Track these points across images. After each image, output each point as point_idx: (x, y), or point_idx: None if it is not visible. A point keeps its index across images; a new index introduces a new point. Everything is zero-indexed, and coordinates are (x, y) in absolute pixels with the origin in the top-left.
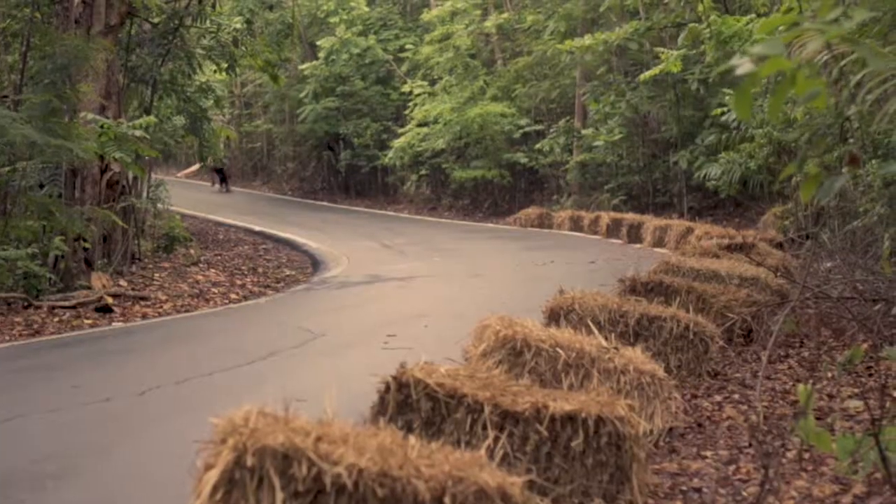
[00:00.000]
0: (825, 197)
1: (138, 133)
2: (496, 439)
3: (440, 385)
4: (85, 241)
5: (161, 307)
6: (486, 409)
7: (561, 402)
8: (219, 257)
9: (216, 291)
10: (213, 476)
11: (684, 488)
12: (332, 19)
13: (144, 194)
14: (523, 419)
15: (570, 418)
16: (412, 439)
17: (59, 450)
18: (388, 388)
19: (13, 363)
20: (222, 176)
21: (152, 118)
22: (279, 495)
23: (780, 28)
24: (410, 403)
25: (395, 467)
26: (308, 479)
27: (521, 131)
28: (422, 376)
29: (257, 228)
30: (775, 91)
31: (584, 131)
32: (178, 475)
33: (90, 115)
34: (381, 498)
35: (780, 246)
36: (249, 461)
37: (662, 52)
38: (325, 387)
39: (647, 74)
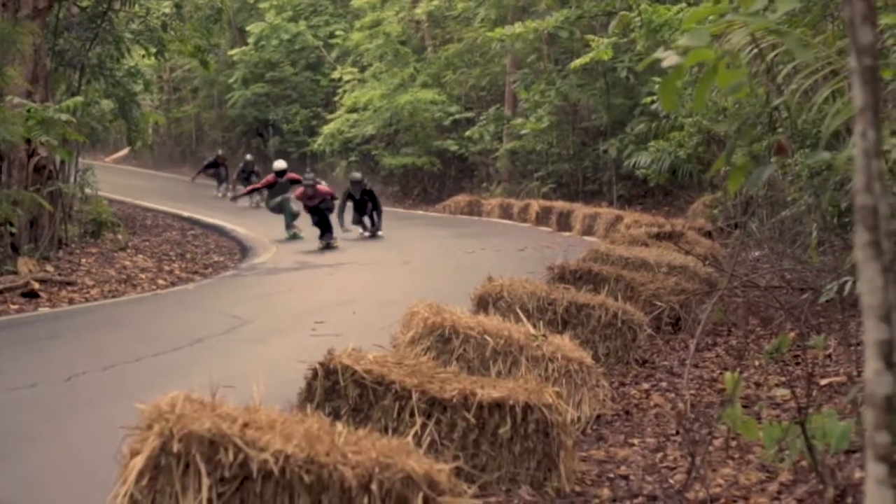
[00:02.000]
0: (753, 186)
1: (65, 117)
2: (423, 426)
3: (368, 372)
4: (11, 225)
5: (88, 293)
6: (414, 396)
7: (489, 390)
8: (147, 243)
9: (144, 277)
10: (139, 462)
11: (611, 475)
12: (262, 4)
13: (72, 179)
14: (451, 406)
15: (498, 405)
16: (339, 426)
17: None
18: (315, 375)
19: None
20: (220, 173)
21: (79, 99)
22: (205, 481)
23: (709, 18)
24: (338, 390)
25: (321, 454)
26: (234, 465)
27: (451, 119)
28: (349, 363)
29: (186, 214)
30: (700, 82)
31: (513, 120)
32: (105, 461)
33: (17, 100)
34: (308, 484)
35: (708, 235)
36: (175, 447)
37: (593, 40)
38: (253, 373)
39: (577, 62)
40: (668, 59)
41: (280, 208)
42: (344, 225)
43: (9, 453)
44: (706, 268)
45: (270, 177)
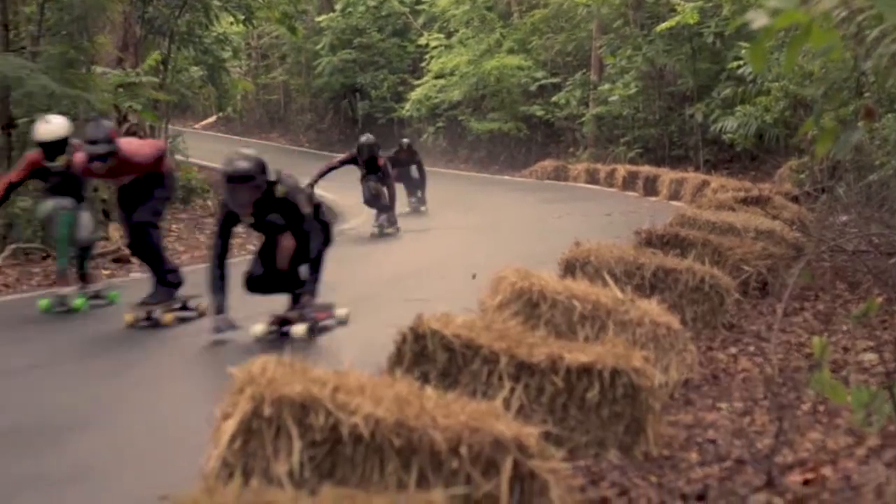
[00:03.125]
0: (841, 151)
1: (146, 79)
2: (512, 390)
3: (456, 336)
4: (101, 192)
5: (179, 258)
6: (503, 361)
7: (577, 354)
8: None
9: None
10: (230, 425)
11: (699, 440)
12: None
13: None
14: (539, 370)
15: (586, 370)
16: (428, 390)
17: (75, 401)
18: (404, 339)
19: (32, 313)
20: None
21: (157, 55)
22: (296, 444)
23: None
24: (427, 354)
25: (411, 417)
26: (325, 428)
27: (537, 84)
28: (438, 327)
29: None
30: (790, 44)
31: (599, 86)
32: (197, 425)
33: (102, 69)
34: (398, 448)
35: (795, 199)
36: (267, 411)
37: (679, 5)
38: (342, 338)
39: (662, 26)
40: (758, 20)
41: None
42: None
43: (100, 418)
44: (793, 232)
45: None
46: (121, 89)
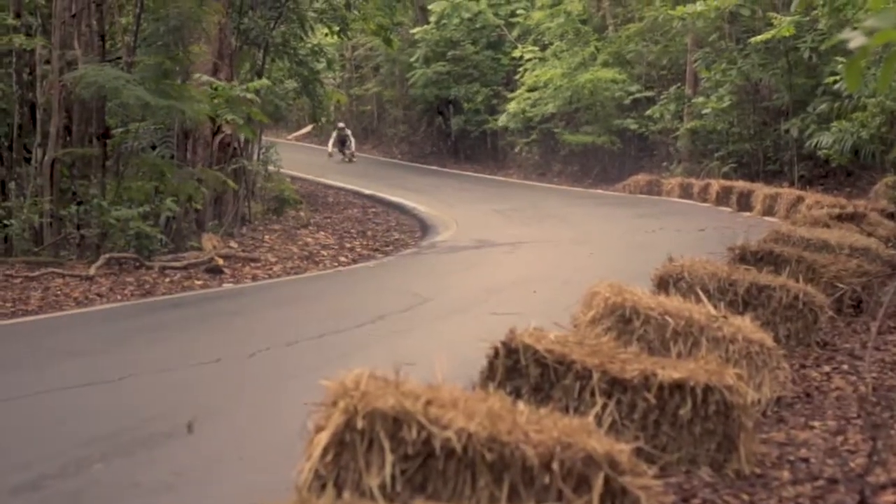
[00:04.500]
0: None
1: (250, 96)
2: (604, 406)
3: (549, 351)
4: (196, 202)
5: (271, 269)
6: (595, 376)
7: (669, 370)
8: (328, 220)
9: (325, 254)
10: (323, 438)
11: (792, 458)
12: None
13: (255, 156)
14: (631, 386)
15: (679, 386)
16: (521, 405)
17: (169, 409)
18: (497, 354)
19: (126, 323)
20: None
21: (265, 81)
22: (389, 458)
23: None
24: (519, 369)
25: (503, 432)
26: (418, 442)
27: (631, 97)
28: (531, 342)
29: (367, 192)
30: (886, 61)
31: (694, 100)
32: (289, 437)
33: (204, 77)
34: (490, 463)
35: (891, 216)
36: (360, 424)
37: (775, 18)
38: (434, 351)
39: (758, 38)
40: (854, 39)
41: None
42: None
43: (194, 427)
44: (889, 249)
45: None
46: (216, 101)
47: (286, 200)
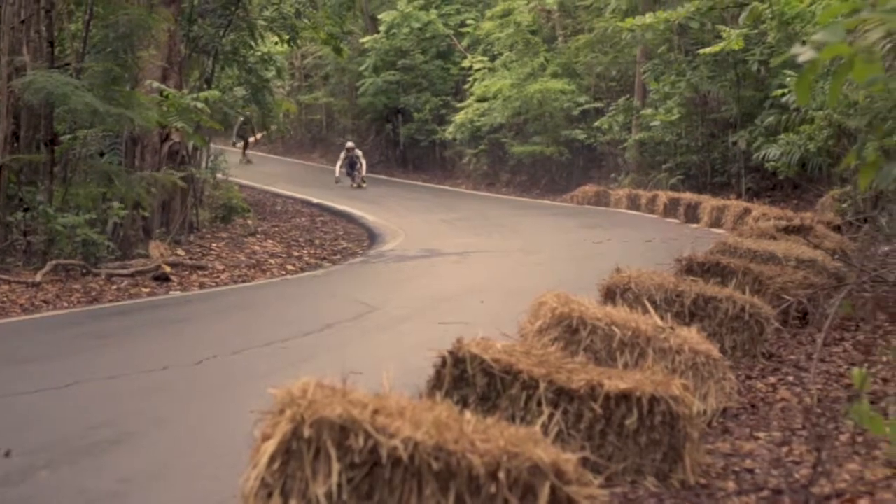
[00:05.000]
0: (884, 182)
1: (200, 105)
2: (551, 416)
3: (496, 361)
4: (143, 209)
5: (218, 277)
6: (542, 386)
7: (616, 381)
8: (276, 228)
9: (273, 262)
10: (270, 446)
11: (737, 469)
12: None
13: (204, 164)
14: (578, 396)
15: (625, 397)
16: (468, 414)
17: (116, 417)
18: (444, 363)
19: (72, 329)
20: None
21: (216, 92)
22: (335, 466)
23: (842, 14)
24: (466, 378)
25: (450, 441)
26: (364, 451)
27: (580, 108)
28: (478, 352)
29: (315, 200)
30: (834, 76)
31: (642, 111)
32: (235, 445)
33: (155, 84)
34: (436, 471)
35: (837, 229)
36: (307, 432)
37: (724, 31)
38: (381, 360)
39: (707, 50)
40: (804, 53)
41: None
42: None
43: (139, 434)
44: (835, 262)
45: None
46: (165, 108)
47: (234, 208)
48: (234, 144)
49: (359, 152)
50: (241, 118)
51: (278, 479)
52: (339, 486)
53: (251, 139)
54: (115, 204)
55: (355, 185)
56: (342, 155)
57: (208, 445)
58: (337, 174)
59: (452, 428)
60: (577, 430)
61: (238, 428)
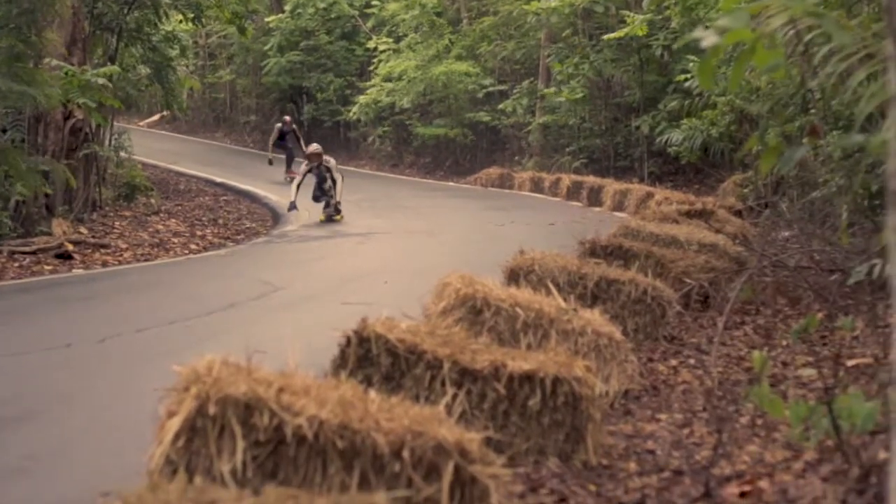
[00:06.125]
0: (785, 167)
1: (102, 81)
2: (454, 396)
3: (401, 341)
4: (46, 186)
5: (121, 255)
6: (446, 366)
7: (519, 362)
8: (179, 207)
9: (176, 241)
10: (175, 423)
11: (638, 450)
12: None
13: (107, 142)
14: (482, 377)
15: (528, 377)
16: (372, 393)
17: (19, 393)
18: (348, 342)
19: None
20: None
21: (116, 68)
22: (240, 444)
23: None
24: (371, 358)
25: (355, 420)
26: (269, 428)
27: (484, 91)
28: (383, 331)
29: (218, 180)
30: (737, 62)
31: (546, 90)
32: (139, 422)
33: (55, 62)
34: (341, 450)
35: (738, 214)
36: (212, 410)
37: (628, 16)
38: (285, 339)
39: (611, 36)
40: (707, 38)
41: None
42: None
43: (42, 411)
44: (736, 246)
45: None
46: (72, 87)
47: (137, 187)
48: (291, 207)
49: (332, 162)
50: (313, 147)
51: (183, 456)
52: (244, 463)
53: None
54: (18, 183)
55: (331, 213)
56: (302, 167)
57: (113, 423)
58: (293, 195)
59: (357, 407)
60: (480, 411)
61: (142, 406)
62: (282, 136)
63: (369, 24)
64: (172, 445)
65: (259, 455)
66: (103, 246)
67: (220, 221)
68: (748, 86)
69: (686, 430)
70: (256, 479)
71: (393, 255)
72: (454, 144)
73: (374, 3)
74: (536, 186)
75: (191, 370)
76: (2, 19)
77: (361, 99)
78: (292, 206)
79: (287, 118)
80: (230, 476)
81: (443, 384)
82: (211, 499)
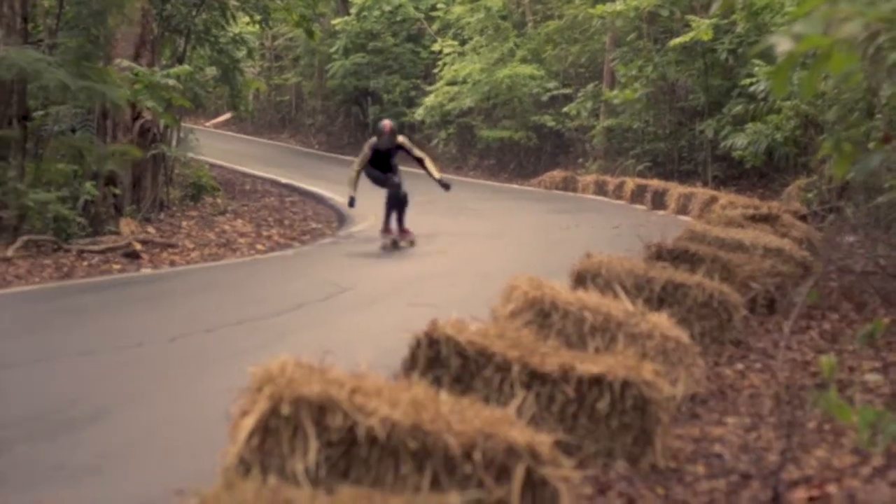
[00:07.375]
0: (861, 174)
1: (171, 82)
2: (524, 398)
3: (470, 343)
4: (115, 185)
5: (188, 255)
6: (515, 369)
7: (588, 364)
8: (245, 208)
9: (243, 241)
10: (249, 423)
11: (706, 454)
12: None
13: (174, 143)
14: (551, 379)
15: (597, 380)
16: (444, 395)
17: (92, 393)
18: (418, 344)
19: (44, 305)
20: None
21: (187, 67)
22: (313, 444)
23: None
24: (440, 360)
25: (427, 421)
26: (342, 429)
27: (548, 94)
28: (453, 333)
29: (284, 181)
30: (811, 67)
31: (608, 92)
32: (211, 421)
33: (125, 62)
34: (413, 451)
35: (803, 218)
36: (285, 410)
37: (693, 20)
38: (354, 340)
39: (676, 41)
40: (782, 44)
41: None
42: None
43: (114, 410)
44: (801, 251)
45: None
46: (140, 88)
47: (204, 187)
48: (350, 203)
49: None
50: (374, 138)
51: (256, 456)
52: (317, 463)
53: (221, 119)
54: (88, 182)
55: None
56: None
57: (184, 422)
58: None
59: (429, 408)
60: (549, 413)
61: (213, 405)
62: (377, 157)
63: (434, 26)
64: (246, 445)
65: (332, 455)
66: (171, 245)
67: (286, 222)
68: (813, 90)
69: (753, 435)
70: (329, 480)
71: (457, 257)
72: (518, 147)
73: (439, 6)
74: (600, 189)
75: (264, 370)
76: (72, 20)
77: (427, 101)
78: (351, 202)
79: (387, 122)
80: (303, 476)
81: (512, 386)
82: (286, 498)
